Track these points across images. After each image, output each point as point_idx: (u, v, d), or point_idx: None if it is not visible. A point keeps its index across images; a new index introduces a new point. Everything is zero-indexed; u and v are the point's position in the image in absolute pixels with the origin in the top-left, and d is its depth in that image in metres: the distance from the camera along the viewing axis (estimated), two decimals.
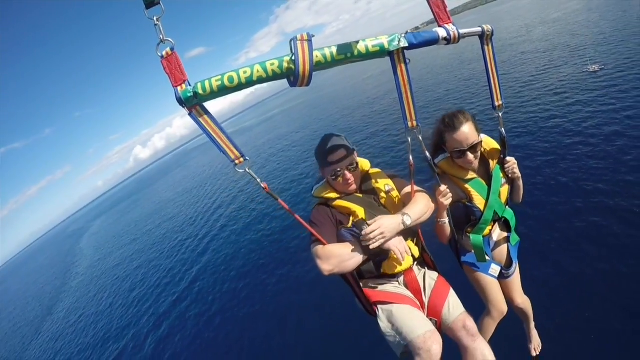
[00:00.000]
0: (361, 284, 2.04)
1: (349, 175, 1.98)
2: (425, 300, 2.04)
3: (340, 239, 1.96)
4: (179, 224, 21.12)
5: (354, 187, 2.04)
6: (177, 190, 37.12)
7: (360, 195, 2.05)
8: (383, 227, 1.77)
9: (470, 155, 2.10)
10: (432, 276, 2.14)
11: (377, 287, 2.07)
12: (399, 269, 2.03)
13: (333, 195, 2.04)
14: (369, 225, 1.79)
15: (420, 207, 1.94)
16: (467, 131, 2.05)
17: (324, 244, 1.86)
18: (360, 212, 1.97)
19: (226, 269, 11.24)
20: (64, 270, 30.07)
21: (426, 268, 2.19)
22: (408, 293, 2.03)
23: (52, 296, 22.92)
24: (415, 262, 2.12)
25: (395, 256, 1.83)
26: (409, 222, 1.85)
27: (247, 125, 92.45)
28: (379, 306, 1.99)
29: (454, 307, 1.99)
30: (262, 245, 11.38)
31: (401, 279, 2.08)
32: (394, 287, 2.05)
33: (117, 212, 58.22)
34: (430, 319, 1.98)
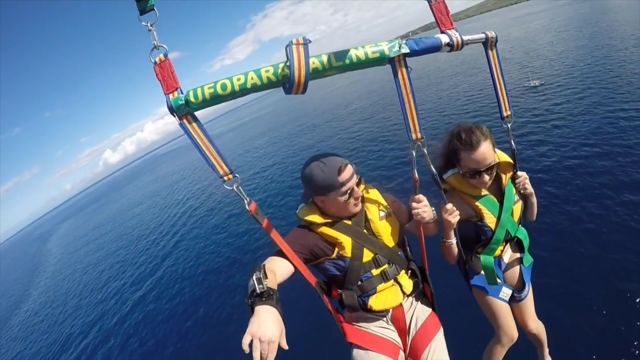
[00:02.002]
0: (342, 317, 1.84)
1: (358, 191, 1.66)
2: (409, 340, 1.82)
3: (326, 272, 1.75)
4: (147, 225, 20.70)
5: (360, 205, 1.73)
6: (144, 192, 36.27)
7: (349, 223, 1.72)
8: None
9: (486, 176, 1.84)
10: (422, 314, 1.86)
11: (358, 324, 1.82)
12: (388, 305, 1.76)
13: (319, 219, 1.69)
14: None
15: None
16: (485, 150, 1.79)
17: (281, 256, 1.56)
18: (347, 242, 1.67)
19: (193, 265, 11.03)
20: (31, 270, 28.72)
21: (419, 302, 1.90)
22: (392, 336, 1.79)
23: (19, 295, 21.83)
24: (408, 297, 1.85)
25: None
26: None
27: (218, 131, 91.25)
28: (354, 348, 1.77)
29: (435, 354, 1.75)
30: (228, 243, 11.20)
31: (389, 315, 1.81)
32: (377, 327, 1.79)
33: (86, 214, 55.97)
34: None
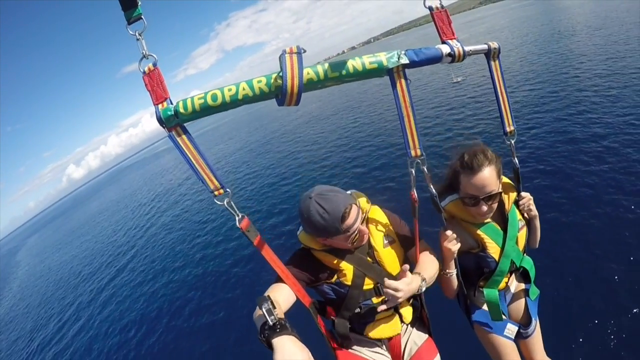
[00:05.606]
0: (335, 341, 1.67)
1: (364, 230, 1.48)
2: None
3: (324, 294, 1.60)
4: (117, 229, 20.00)
5: (366, 238, 1.53)
6: (110, 202, 35.05)
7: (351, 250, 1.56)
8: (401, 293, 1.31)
9: (484, 207, 1.58)
10: (418, 339, 1.70)
11: (352, 348, 1.66)
12: (385, 335, 1.61)
13: (320, 245, 1.53)
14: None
15: (434, 268, 1.56)
16: (486, 176, 1.53)
17: (282, 282, 1.42)
18: (348, 270, 1.52)
19: (162, 268, 10.65)
20: (2, 280, 26.87)
21: (415, 328, 1.73)
22: None
23: None
24: (406, 325, 1.70)
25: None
26: (424, 289, 1.48)
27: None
28: None
29: None
30: (199, 245, 10.80)
31: (385, 343, 1.67)
32: (372, 352, 1.64)
33: (54, 225, 52.87)
34: None
